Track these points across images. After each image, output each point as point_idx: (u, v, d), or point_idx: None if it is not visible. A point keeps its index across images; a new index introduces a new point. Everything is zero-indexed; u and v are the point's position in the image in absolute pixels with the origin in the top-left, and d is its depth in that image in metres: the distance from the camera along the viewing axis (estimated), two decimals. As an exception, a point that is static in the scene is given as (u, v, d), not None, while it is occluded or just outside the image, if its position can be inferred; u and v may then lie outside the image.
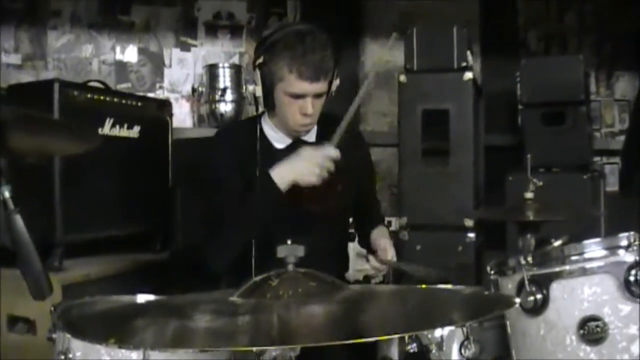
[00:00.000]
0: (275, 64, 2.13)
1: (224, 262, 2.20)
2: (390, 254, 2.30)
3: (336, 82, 2.22)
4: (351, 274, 2.85)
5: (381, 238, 2.38)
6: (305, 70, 2.09)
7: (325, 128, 2.33)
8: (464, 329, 1.76)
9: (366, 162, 2.55)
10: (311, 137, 2.33)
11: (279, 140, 2.31)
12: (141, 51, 4.17)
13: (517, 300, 1.70)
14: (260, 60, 2.16)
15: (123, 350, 1.55)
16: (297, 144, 2.30)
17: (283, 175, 2.13)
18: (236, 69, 4.01)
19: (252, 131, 2.30)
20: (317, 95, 2.16)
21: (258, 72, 2.17)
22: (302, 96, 2.14)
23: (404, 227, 3.43)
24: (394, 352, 1.82)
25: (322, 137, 2.32)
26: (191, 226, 2.95)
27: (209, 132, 3.78)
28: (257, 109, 2.30)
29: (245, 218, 2.15)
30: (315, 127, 2.33)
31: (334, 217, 2.33)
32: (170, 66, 4.22)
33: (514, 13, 4.69)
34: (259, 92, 2.18)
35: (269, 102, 2.19)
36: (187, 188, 3.07)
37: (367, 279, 3.42)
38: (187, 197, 3.03)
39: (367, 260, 2.33)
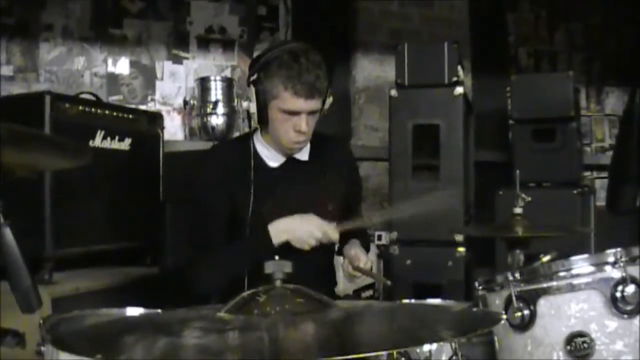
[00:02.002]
0: (270, 81, 2.14)
1: (210, 288, 2.21)
2: (363, 261, 2.30)
3: (329, 100, 2.23)
4: (341, 289, 2.85)
5: (352, 249, 2.37)
6: (301, 87, 2.10)
7: (318, 146, 2.34)
8: (452, 345, 1.76)
9: (355, 179, 2.56)
10: (304, 155, 2.34)
11: (272, 159, 2.31)
12: (133, 64, 4.17)
13: (504, 316, 1.71)
14: (255, 77, 2.17)
15: (111, 366, 1.54)
16: (290, 162, 2.31)
17: (280, 233, 2.15)
18: (228, 83, 4.02)
19: (245, 150, 2.30)
20: (311, 113, 2.17)
21: (252, 89, 2.17)
22: (297, 113, 2.15)
23: (394, 241, 3.44)
24: (383, 367, 1.82)
25: (315, 156, 2.34)
26: (180, 244, 2.95)
27: (200, 145, 3.80)
28: (249, 126, 2.30)
29: (240, 258, 2.17)
30: (308, 146, 2.34)
31: None
32: (162, 79, 4.22)
33: (504, 31, 4.74)
34: (253, 108, 2.18)
35: (263, 119, 2.20)
36: (177, 203, 3.07)
37: (357, 293, 3.43)
38: (177, 212, 3.02)
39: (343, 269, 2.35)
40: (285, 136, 2.21)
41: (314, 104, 2.15)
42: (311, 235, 2.15)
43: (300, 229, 2.16)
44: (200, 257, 2.25)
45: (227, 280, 2.16)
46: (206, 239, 2.26)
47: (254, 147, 2.31)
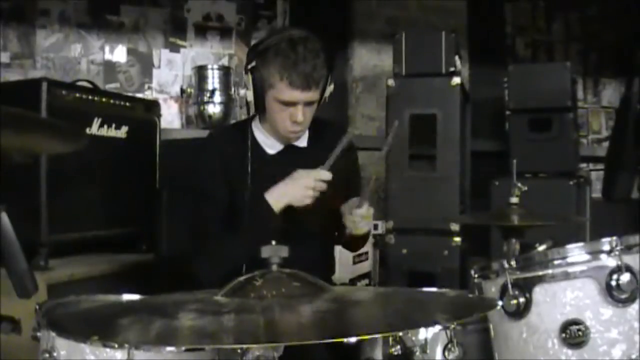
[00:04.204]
0: (266, 70, 2.12)
1: (215, 275, 2.17)
2: (365, 206, 2.22)
3: (330, 88, 2.21)
4: (337, 277, 2.85)
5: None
6: (297, 78, 2.08)
7: (317, 133, 2.33)
8: (448, 332, 1.77)
9: (354, 165, 2.55)
10: (302, 142, 2.33)
11: (270, 146, 2.30)
12: (130, 51, 4.16)
13: (500, 302, 1.71)
14: (253, 64, 2.15)
15: (107, 349, 1.55)
16: (288, 149, 2.30)
17: (278, 198, 2.12)
18: (225, 71, 4.02)
19: (243, 136, 2.28)
20: (308, 103, 2.15)
21: (250, 77, 2.15)
22: (293, 104, 2.13)
23: (390, 230, 3.44)
24: (378, 354, 1.82)
25: (314, 142, 2.33)
26: (177, 231, 2.95)
27: (197, 133, 3.80)
28: (248, 113, 2.28)
29: (242, 241, 2.12)
30: (307, 132, 2.33)
31: (322, 221, 2.32)
32: (159, 67, 4.21)
33: (501, 21, 4.73)
34: (250, 96, 2.17)
35: (260, 107, 2.18)
36: (173, 191, 3.07)
37: (353, 282, 3.44)
38: (173, 199, 3.02)
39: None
40: (281, 125, 2.19)
41: (310, 95, 2.13)
42: (305, 187, 2.12)
43: (293, 187, 2.13)
44: (202, 244, 2.23)
45: (232, 265, 2.12)
46: (206, 225, 2.25)
47: (252, 133, 2.30)
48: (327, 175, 2.14)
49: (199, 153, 2.37)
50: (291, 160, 2.28)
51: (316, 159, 2.29)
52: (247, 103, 2.21)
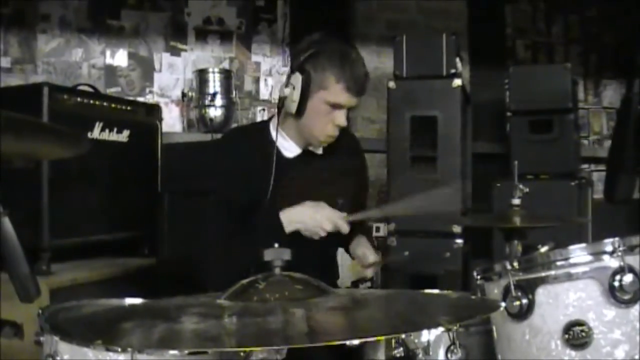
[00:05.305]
0: (320, 72, 2.13)
1: (221, 278, 2.16)
2: (372, 259, 2.33)
3: None
4: (340, 280, 2.85)
5: (359, 247, 2.41)
6: (353, 84, 2.13)
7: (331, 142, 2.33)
8: (450, 334, 1.77)
9: (364, 173, 2.56)
10: (319, 149, 2.33)
11: (288, 149, 2.29)
12: (131, 55, 4.17)
13: (502, 304, 1.71)
14: (304, 64, 2.15)
15: (110, 353, 1.55)
16: (306, 154, 2.30)
17: (292, 223, 2.14)
18: (226, 74, 4.02)
19: (261, 138, 2.28)
20: (350, 109, 2.20)
21: (299, 76, 2.14)
22: (340, 107, 2.15)
23: (392, 233, 3.44)
24: (381, 356, 1.82)
25: (328, 150, 2.33)
26: (179, 234, 2.94)
27: (198, 137, 3.81)
28: (278, 114, 2.27)
29: (246, 249, 2.11)
30: None
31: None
32: (160, 71, 4.22)
33: (502, 23, 4.73)
34: (296, 96, 2.14)
35: (301, 108, 2.16)
36: (175, 193, 3.07)
37: (355, 284, 3.43)
38: (175, 202, 3.02)
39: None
40: (322, 128, 2.19)
41: (356, 100, 2.18)
42: (320, 227, 2.14)
43: (310, 219, 2.15)
44: (211, 247, 2.22)
45: (238, 269, 2.11)
46: (215, 227, 2.23)
47: (271, 136, 2.28)
48: (345, 229, 2.17)
49: (214, 154, 2.36)
50: (308, 166, 2.29)
51: (331, 167, 2.31)
52: (282, 102, 2.20)
